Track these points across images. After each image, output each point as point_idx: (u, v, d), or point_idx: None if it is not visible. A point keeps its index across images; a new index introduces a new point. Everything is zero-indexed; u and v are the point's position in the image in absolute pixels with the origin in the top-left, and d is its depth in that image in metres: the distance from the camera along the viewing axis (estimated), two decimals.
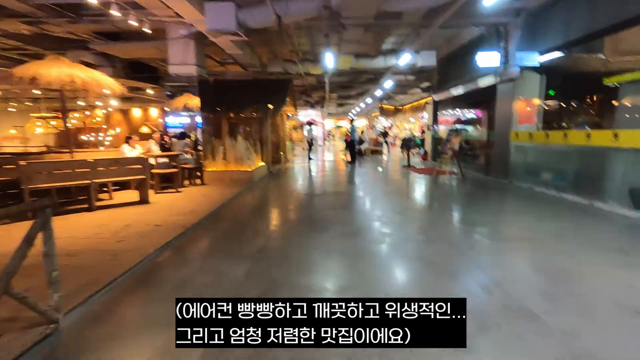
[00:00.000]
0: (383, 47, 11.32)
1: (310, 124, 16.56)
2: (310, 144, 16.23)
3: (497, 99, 9.17)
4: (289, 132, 14.26)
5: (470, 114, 11.89)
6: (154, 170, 7.28)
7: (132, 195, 6.56)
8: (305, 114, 26.61)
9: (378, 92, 17.42)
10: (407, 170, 11.61)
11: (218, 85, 11.82)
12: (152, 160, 7.85)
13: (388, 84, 14.18)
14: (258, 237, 4.47)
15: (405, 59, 10.76)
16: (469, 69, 11.01)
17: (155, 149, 7.97)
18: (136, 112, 23.41)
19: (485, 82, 9.76)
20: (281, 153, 14.09)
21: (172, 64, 8.54)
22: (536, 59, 8.17)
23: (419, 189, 8.25)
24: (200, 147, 9.63)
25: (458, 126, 12.47)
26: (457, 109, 12.91)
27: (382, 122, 33.53)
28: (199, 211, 5.59)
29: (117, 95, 8.39)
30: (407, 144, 19.24)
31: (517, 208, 6.30)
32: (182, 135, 9.23)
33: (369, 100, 21.78)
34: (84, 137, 23.30)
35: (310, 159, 15.96)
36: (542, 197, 6.74)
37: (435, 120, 14.60)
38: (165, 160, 7.95)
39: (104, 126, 21.37)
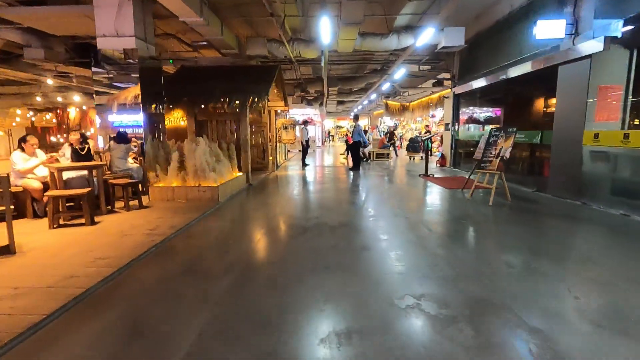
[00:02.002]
0: (396, 24, 8.76)
1: (306, 122, 13.99)
2: (306, 146, 13.66)
3: (559, 86, 6.60)
4: (278, 132, 11.69)
5: (508, 108, 9.31)
6: (51, 193, 4.73)
7: None
8: (302, 112, 24.05)
9: (385, 86, 14.84)
10: (426, 181, 9.05)
11: (183, 72, 9.29)
12: (71, 174, 5.32)
13: (399, 73, 11.60)
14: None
15: (426, 36, 8.21)
16: (509, 50, 8.44)
17: (66, 158, 5.43)
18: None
19: (536, 64, 7.20)
20: (270, 158, 11.54)
21: (101, 35, 6.01)
22: (620, 28, 5.64)
23: (455, 216, 5.68)
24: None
25: (479, 122, 9.92)
26: (488, 103, 10.34)
27: (387, 122, 31.03)
28: (86, 276, 3.02)
29: None
30: (414, 145, 16.82)
31: (627, 255, 3.71)
32: (121, 138, 6.68)
33: (373, 96, 19.21)
34: (53, 139, 20.84)
35: (305, 164, 13.41)
36: None
37: (456, 118, 12.03)
38: (83, 173, 5.38)
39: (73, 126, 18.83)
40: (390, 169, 12.31)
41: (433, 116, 20.73)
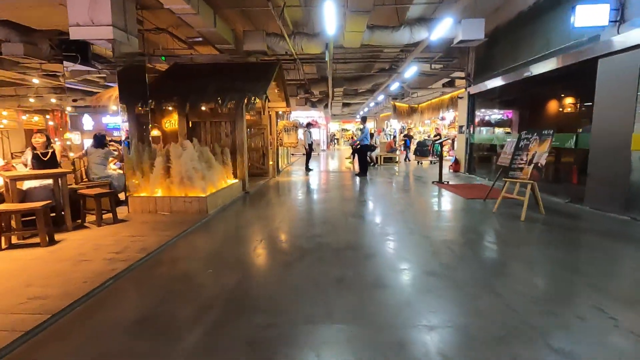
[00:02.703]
0: (408, 15, 7.92)
1: (309, 125, 13.18)
2: (310, 150, 12.84)
3: (599, 82, 5.70)
4: (279, 135, 10.89)
5: (532, 108, 8.42)
6: (4, 207, 3.94)
7: None
8: (306, 115, 23.28)
9: (394, 86, 13.99)
10: (440, 189, 8.17)
11: (175, 70, 8.55)
12: (33, 183, 4.56)
13: (410, 71, 10.74)
14: None
15: (442, 28, 7.36)
16: (533, 45, 7.58)
17: (24, 165, 4.67)
18: None
19: (569, 58, 6.32)
20: (270, 163, 10.74)
21: (74, 24, 5.27)
22: None
23: (484, 236, 4.80)
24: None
25: (497, 124, 9.04)
26: (508, 104, 9.45)
27: (393, 124, 30.15)
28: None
29: None
30: (423, 149, 15.91)
31: None
32: (99, 142, 5.92)
33: (380, 97, 18.36)
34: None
35: (308, 169, 12.59)
36: None
37: (471, 120, 11.14)
38: (48, 182, 4.61)
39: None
40: (400, 175, 11.44)
41: (443, 119, 19.82)
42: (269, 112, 10.46)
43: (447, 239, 4.35)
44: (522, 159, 5.51)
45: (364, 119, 10.66)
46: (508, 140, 6.52)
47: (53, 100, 14.62)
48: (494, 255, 3.87)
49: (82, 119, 11.85)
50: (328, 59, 8.39)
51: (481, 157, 10.78)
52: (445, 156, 17.51)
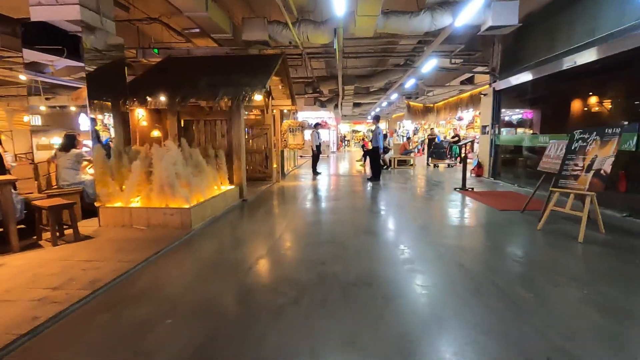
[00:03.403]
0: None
1: (317, 125, 12.22)
2: (317, 152, 11.88)
3: None
4: (284, 135, 9.97)
5: (574, 104, 7.29)
6: None
7: None
8: (315, 116, 22.35)
9: (409, 83, 12.93)
10: (465, 197, 7.12)
11: (167, 63, 7.73)
12: None
13: (429, 65, 9.68)
14: None
15: (470, 12, 6.33)
16: (576, 31, 6.49)
17: None
18: None
19: (629, 41, 5.23)
20: (274, 166, 9.82)
21: (36, 3, 4.43)
22: None
23: (540, 265, 3.75)
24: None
25: (527, 124, 7.92)
26: (544, 100, 8.33)
27: (406, 125, 29.01)
28: None
29: None
30: (439, 151, 14.74)
31: None
32: (68, 143, 5.09)
33: (394, 96, 17.31)
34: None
35: (316, 173, 11.64)
36: None
37: (496, 118, 10.03)
38: None
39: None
40: (416, 180, 10.39)
41: (460, 119, 18.64)
42: (272, 110, 9.55)
43: (489, 268, 3.33)
44: (577, 165, 4.44)
45: (376, 118, 9.64)
46: (552, 141, 5.44)
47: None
48: (564, 296, 2.82)
49: (79, 118, 11.12)
50: (337, 49, 7.42)
51: (508, 160, 9.65)
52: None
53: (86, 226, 4.70)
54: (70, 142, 5.13)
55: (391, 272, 3.29)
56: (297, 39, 7.14)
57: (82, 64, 5.03)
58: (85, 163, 5.44)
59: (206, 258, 3.78)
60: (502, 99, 9.87)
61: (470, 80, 15.04)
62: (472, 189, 8.04)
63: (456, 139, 14.99)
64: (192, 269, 3.46)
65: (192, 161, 5.69)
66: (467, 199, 7.06)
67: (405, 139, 20.84)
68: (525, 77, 8.30)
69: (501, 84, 9.51)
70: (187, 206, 4.73)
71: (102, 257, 3.56)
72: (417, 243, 4.17)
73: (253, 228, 5.04)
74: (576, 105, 7.21)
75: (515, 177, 9.12)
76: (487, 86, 10.47)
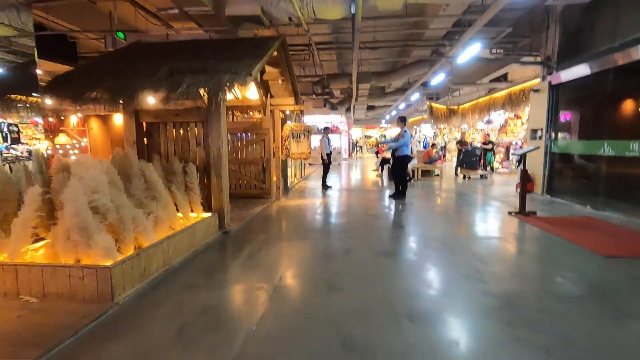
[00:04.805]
0: None
1: (327, 130, 10.30)
2: (328, 163, 9.96)
3: None
4: (285, 142, 8.08)
5: None
6: None
7: None
8: (325, 120, 20.41)
9: (436, 79, 10.93)
10: (529, 226, 5.08)
11: (132, 51, 5.97)
12: None
13: (468, 54, 7.66)
14: None
15: None
16: None
17: None
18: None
19: None
20: (273, 179, 7.93)
21: None
22: None
23: None
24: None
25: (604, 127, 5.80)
26: (627, 95, 6.22)
27: (424, 130, 26.90)
28: None
29: None
30: (470, 160, 12.53)
31: None
32: None
33: (415, 96, 15.31)
34: None
35: (326, 186, 9.72)
36: None
37: (553, 121, 7.94)
38: None
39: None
40: (450, 197, 8.36)
41: (490, 122, 16.49)
42: (271, 111, 7.68)
43: None
44: None
45: (402, 119, 7.63)
46: None
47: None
48: None
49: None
50: (354, 27, 5.49)
51: (574, 173, 7.53)
52: (497, 168, 14.15)
53: None
54: None
55: None
56: (299, 12, 5.24)
57: None
58: None
59: None
60: (560, 95, 7.79)
61: (504, 77, 12.98)
62: (535, 212, 5.99)
63: (490, 145, 12.86)
64: None
65: (139, 184, 3.83)
66: (535, 230, 5.03)
67: (428, 145, 18.70)
68: (598, 65, 6.26)
69: (560, 76, 7.46)
70: (108, 263, 2.84)
71: None
72: (482, 322, 2.16)
73: (222, 294, 3.12)
74: None
75: (580, 194, 7.02)
76: (539, 80, 8.41)
